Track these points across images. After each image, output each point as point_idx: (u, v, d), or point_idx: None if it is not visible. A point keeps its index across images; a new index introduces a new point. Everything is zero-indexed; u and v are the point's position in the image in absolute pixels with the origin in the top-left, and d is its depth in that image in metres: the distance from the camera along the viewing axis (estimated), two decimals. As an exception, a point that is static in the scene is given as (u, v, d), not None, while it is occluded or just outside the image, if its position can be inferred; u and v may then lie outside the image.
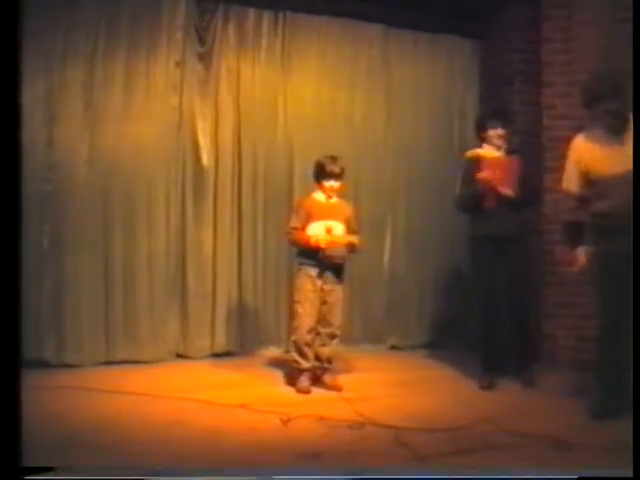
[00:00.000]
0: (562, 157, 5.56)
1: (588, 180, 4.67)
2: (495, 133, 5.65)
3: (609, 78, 4.61)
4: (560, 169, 5.66)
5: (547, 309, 6.55)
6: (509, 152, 5.68)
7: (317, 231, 5.40)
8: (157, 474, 3.24)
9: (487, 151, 5.69)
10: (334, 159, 5.48)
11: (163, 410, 4.74)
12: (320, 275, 5.46)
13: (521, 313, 5.74)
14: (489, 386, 5.55)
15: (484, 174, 5.47)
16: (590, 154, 4.63)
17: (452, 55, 7.67)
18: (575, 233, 4.82)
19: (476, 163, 5.61)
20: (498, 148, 5.67)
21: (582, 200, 4.74)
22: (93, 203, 6.26)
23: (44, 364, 5.94)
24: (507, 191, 5.50)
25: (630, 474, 3.19)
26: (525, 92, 6.87)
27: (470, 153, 5.81)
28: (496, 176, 5.48)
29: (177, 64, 6.56)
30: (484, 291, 5.69)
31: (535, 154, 6.31)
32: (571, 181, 4.76)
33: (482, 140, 5.76)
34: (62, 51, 6.13)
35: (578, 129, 5.44)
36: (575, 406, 4.79)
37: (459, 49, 7.68)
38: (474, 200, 5.60)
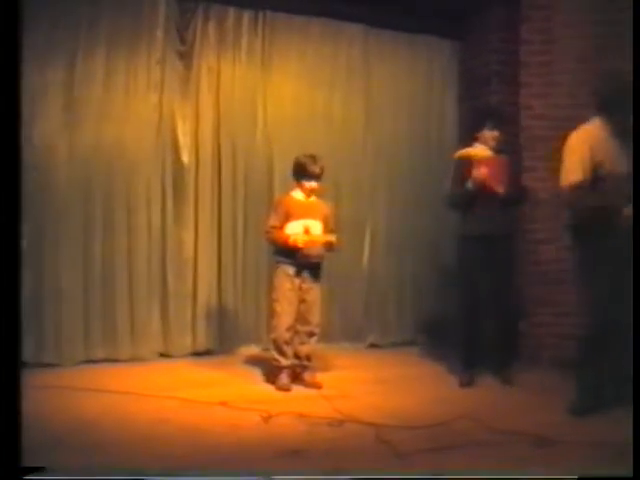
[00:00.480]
0: (540, 157, 5.62)
1: (595, 173, 4.62)
2: (491, 134, 5.70)
3: (621, 80, 4.67)
4: (539, 169, 5.72)
5: (528, 307, 6.58)
6: (498, 151, 5.72)
7: (295, 230, 5.42)
8: (156, 474, 3.25)
9: (478, 150, 5.73)
10: (314, 158, 5.49)
11: (146, 409, 4.75)
12: (298, 274, 5.48)
13: (505, 312, 5.81)
14: (469, 383, 5.62)
15: (479, 173, 5.49)
16: (604, 149, 4.62)
17: (431, 55, 7.71)
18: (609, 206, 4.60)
19: (467, 162, 5.63)
20: (490, 148, 5.71)
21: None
22: (72, 203, 6.24)
23: (22, 364, 5.90)
24: (499, 190, 5.54)
25: (630, 474, 3.21)
26: (503, 92, 6.91)
27: (461, 152, 5.85)
28: (489, 175, 5.51)
29: (157, 62, 6.55)
30: (470, 289, 5.74)
31: (514, 154, 6.33)
32: (576, 172, 4.62)
33: (475, 140, 5.79)
34: (42, 50, 6.08)
35: (555, 129, 5.47)
36: (555, 403, 4.85)
37: (438, 49, 7.73)
38: (466, 199, 5.63)
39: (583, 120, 4.71)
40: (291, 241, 5.37)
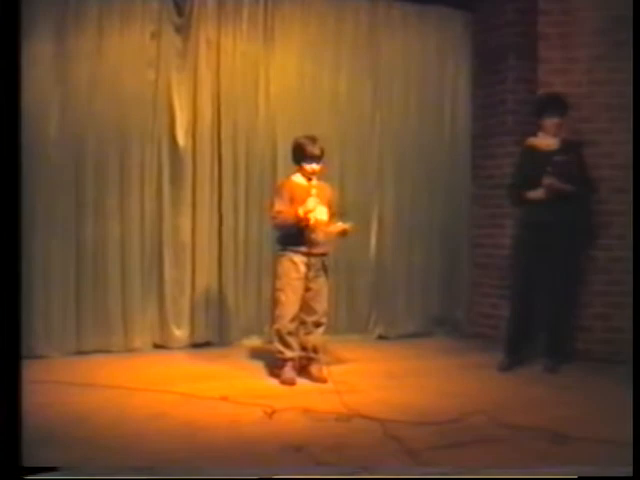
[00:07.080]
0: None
1: None
2: (552, 122, 5.88)
3: None
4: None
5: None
6: (565, 141, 5.88)
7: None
8: (156, 474, 3.27)
9: (542, 140, 5.93)
10: (313, 139, 5.48)
11: (141, 403, 4.76)
12: (304, 261, 5.45)
13: (560, 299, 6.02)
14: (507, 368, 5.90)
15: (548, 182, 5.69)
16: None
17: (443, 28, 7.63)
18: None
19: (531, 154, 5.91)
20: (553, 136, 5.90)
21: None
22: (62, 186, 6.25)
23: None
24: (568, 189, 5.72)
25: (630, 474, 3.23)
26: (520, 68, 6.89)
27: (527, 142, 6.06)
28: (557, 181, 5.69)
29: (152, 36, 6.51)
30: (522, 276, 6.00)
31: (532, 134, 6.30)
32: None
33: (538, 127, 5.99)
34: (29, 23, 6.02)
35: (576, 108, 5.44)
36: (573, 398, 4.86)
37: (450, 21, 7.65)
38: (528, 198, 5.84)
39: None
40: (302, 213, 5.31)
